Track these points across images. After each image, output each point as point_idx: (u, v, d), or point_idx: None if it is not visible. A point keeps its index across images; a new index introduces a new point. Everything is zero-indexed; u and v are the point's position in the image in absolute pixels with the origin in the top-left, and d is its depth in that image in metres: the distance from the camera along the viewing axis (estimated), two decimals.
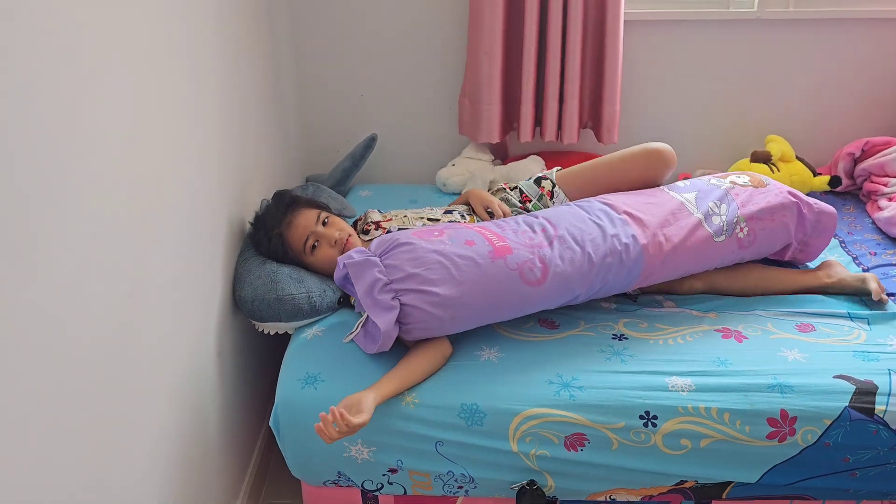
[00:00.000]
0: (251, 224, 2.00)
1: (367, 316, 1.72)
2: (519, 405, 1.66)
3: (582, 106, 2.65)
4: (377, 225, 2.10)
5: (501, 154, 2.82)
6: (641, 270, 1.88)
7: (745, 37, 2.66)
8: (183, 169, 1.62)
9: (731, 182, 2.09)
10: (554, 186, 2.14)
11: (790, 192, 2.08)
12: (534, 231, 1.87)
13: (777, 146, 2.60)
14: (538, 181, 2.17)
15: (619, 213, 1.93)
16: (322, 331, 1.88)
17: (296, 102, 2.75)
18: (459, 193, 2.65)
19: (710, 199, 2.01)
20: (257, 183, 2.21)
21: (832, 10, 2.61)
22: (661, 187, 2.09)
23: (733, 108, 2.75)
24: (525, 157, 2.71)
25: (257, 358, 2.16)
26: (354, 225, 2.18)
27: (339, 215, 2.18)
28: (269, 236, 1.92)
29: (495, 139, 2.65)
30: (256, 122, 2.25)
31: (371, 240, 2.07)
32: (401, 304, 1.67)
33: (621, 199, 1.99)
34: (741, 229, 1.98)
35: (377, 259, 1.73)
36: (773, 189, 2.08)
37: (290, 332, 1.92)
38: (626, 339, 1.85)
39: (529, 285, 1.75)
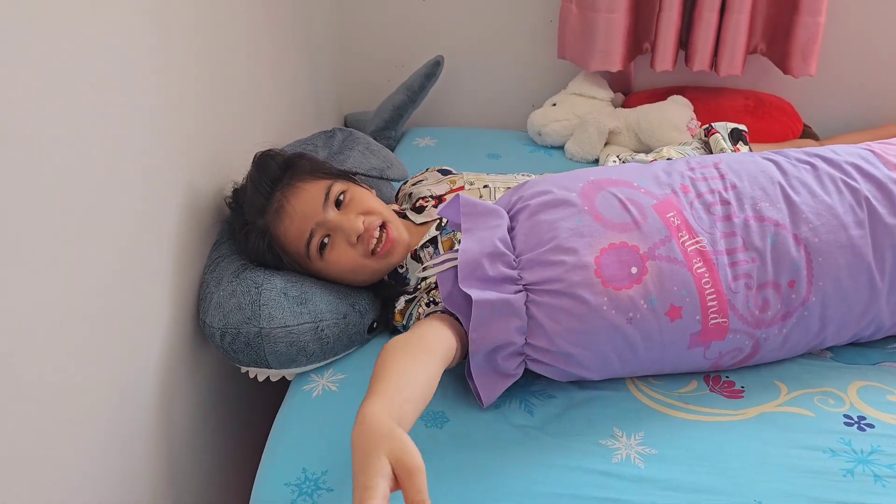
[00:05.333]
0: (228, 204, 1.23)
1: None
2: None
3: (754, 21, 1.79)
4: (441, 200, 1.31)
5: (624, 88, 1.98)
6: None
7: None
8: (124, 110, 0.91)
9: None
10: None
11: None
12: (777, 284, 1.10)
13: None
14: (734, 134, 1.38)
15: None
16: (339, 380, 1.13)
17: (330, 12, 1.97)
18: (562, 147, 1.82)
19: None
20: (259, 128, 1.44)
21: None
22: None
23: None
24: (648, 96, 1.86)
25: (239, 414, 1.41)
26: (396, 199, 1.39)
27: (379, 178, 1.39)
28: (247, 232, 1.15)
29: (616, 66, 1.83)
30: (267, 39, 1.49)
31: (427, 224, 1.27)
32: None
33: None
34: None
35: (522, 304, 1.03)
36: None
37: (288, 377, 1.16)
38: (872, 426, 1.06)
39: (713, 369, 1.14)
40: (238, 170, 1.24)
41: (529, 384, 1.11)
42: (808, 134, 1.84)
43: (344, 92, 2.09)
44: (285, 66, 1.63)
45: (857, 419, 1.06)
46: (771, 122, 1.78)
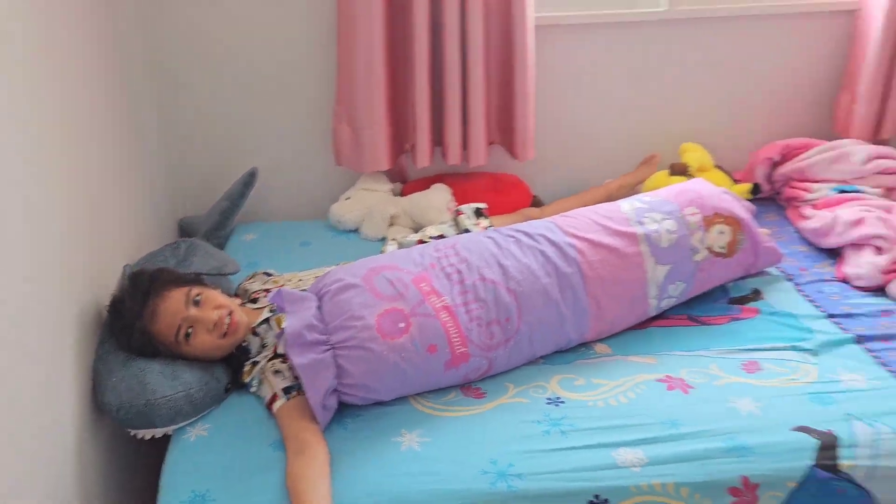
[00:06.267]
0: (108, 311, 1.64)
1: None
2: None
3: (489, 122, 2.38)
4: (269, 292, 1.79)
5: (401, 178, 2.53)
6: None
7: (654, 37, 2.47)
8: (11, 242, 1.29)
9: (707, 250, 1.89)
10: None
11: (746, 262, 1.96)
12: (499, 321, 1.65)
13: (693, 155, 2.43)
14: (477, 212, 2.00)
15: (587, 296, 1.74)
16: (207, 428, 1.57)
17: (158, 138, 2.38)
18: (357, 230, 2.34)
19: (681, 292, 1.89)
20: (118, 239, 1.85)
21: (739, 7, 2.47)
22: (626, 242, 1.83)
23: (648, 113, 2.57)
24: (421, 183, 2.41)
25: (141, 468, 1.81)
26: (236, 293, 1.86)
27: (219, 275, 1.85)
28: (129, 332, 1.57)
29: (384, 166, 2.34)
30: (111, 168, 1.90)
31: (261, 308, 1.75)
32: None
33: (594, 262, 1.76)
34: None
35: (331, 359, 1.52)
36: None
37: (169, 433, 1.59)
38: (563, 402, 1.63)
39: (464, 382, 1.65)
40: (110, 277, 1.64)
41: (344, 409, 1.60)
42: (535, 202, 2.43)
43: (177, 200, 2.46)
44: (127, 188, 2.01)
45: (554, 399, 1.63)
46: (508, 196, 2.35)
